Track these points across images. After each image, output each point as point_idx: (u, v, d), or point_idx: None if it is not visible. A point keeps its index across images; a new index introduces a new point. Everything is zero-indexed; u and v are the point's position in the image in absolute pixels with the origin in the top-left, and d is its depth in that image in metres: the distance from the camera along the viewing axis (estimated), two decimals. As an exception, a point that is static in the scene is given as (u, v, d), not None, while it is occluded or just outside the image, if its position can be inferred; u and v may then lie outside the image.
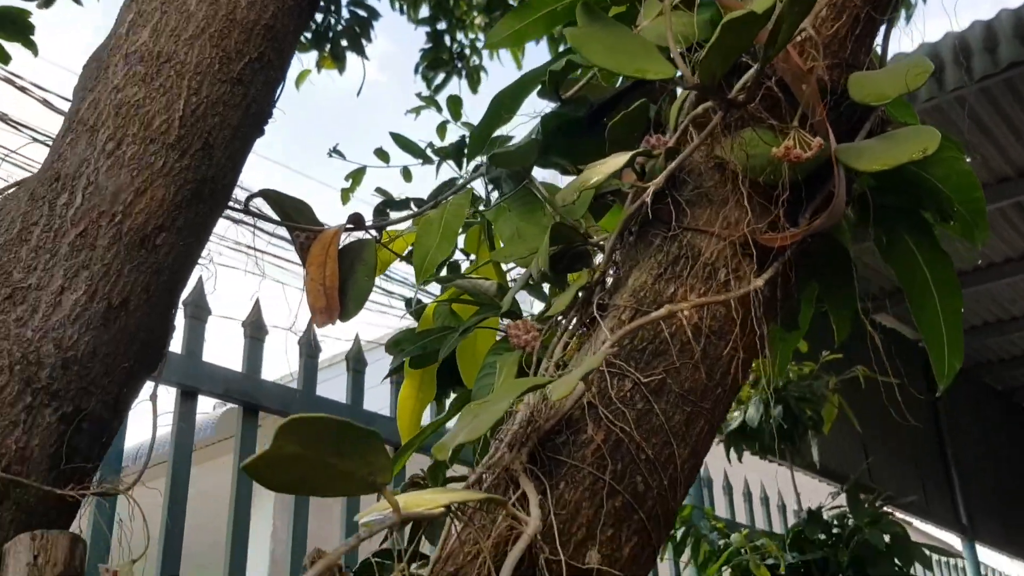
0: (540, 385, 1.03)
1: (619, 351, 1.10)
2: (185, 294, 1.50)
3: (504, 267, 1.67)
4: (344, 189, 2.94)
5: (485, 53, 5.99)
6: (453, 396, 1.82)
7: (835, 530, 3.46)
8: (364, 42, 5.70)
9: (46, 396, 1.21)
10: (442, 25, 5.99)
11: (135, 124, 1.32)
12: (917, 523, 6.78)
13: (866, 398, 3.95)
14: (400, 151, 3.09)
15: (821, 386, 3.58)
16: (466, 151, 2.61)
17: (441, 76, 5.86)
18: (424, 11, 5.87)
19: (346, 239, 1.52)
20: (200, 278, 2.53)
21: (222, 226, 1.50)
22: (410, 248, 1.71)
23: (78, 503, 1.24)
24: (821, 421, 3.56)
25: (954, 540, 7.19)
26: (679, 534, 3.59)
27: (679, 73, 1.12)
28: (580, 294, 1.21)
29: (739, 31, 0.99)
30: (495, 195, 1.80)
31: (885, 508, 3.52)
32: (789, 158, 1.06)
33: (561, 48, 5.04)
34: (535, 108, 1.55)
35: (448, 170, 2.80)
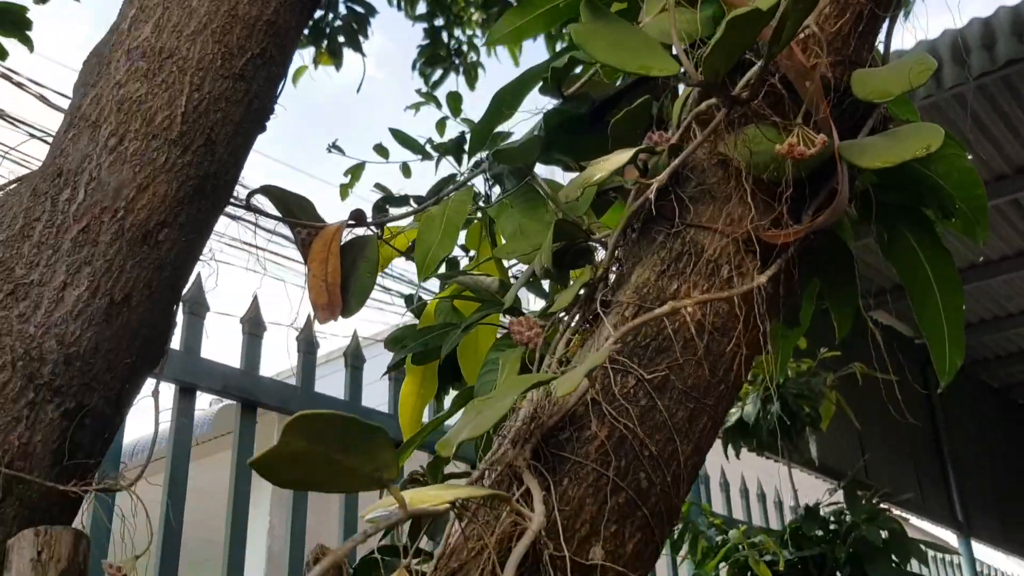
0: (544, 381, 1.03)
1: (622, 348, 1.10)
2: (183, 291, 1.50)
3: (506, 263, 1.68)
4: (343, 185, 2.94)
5: (483, 50, 5.99)
6: (455, 393, 1.82)
7: (832, 527, 3.47)
8: (361, 38, 5.69)
9: (48, 392, 1.21)
10: (439, 21, 5.98)
11: (137, 120, 1.32)
12: (913, 520, 6.80)
13: (863, 395, 3.96)
14: (398, 147, 3.09)
15: (819, 383, 3.59)
16: (466, 147, 2.61)
17: (439, 72, 5.86)
18: (421, 7, 5.87)
19: (347, 235, 1.52)
20: (199, 274, 2.53)
21: (221, 223, 1.50)
22: (411, 245, 1.71)
23: (81, 499, 1.24)
24: (819, 418, 3.57)
25: (950, 537, 7.21)
26: (676, 530, 3.59)
27: (682, 70, 1.12)
28: (583, 291, 1.21)
29: (744, 28, 0.99)
30: (494, 191, 1.80)
31: (882, 505, 3.53)
32: (793, 155, 1.06)
33: (559, 46, 5.05)
34: (536, 105, 1.55)
35: (447, 166, 2.80)
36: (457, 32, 6.01)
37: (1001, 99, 4.55)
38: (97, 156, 1.30)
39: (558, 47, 5.03)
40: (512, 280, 1.57)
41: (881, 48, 1.33)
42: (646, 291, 1.16)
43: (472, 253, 2.18)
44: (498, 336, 1.64)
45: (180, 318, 2.50)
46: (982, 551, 7.59)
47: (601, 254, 1.31)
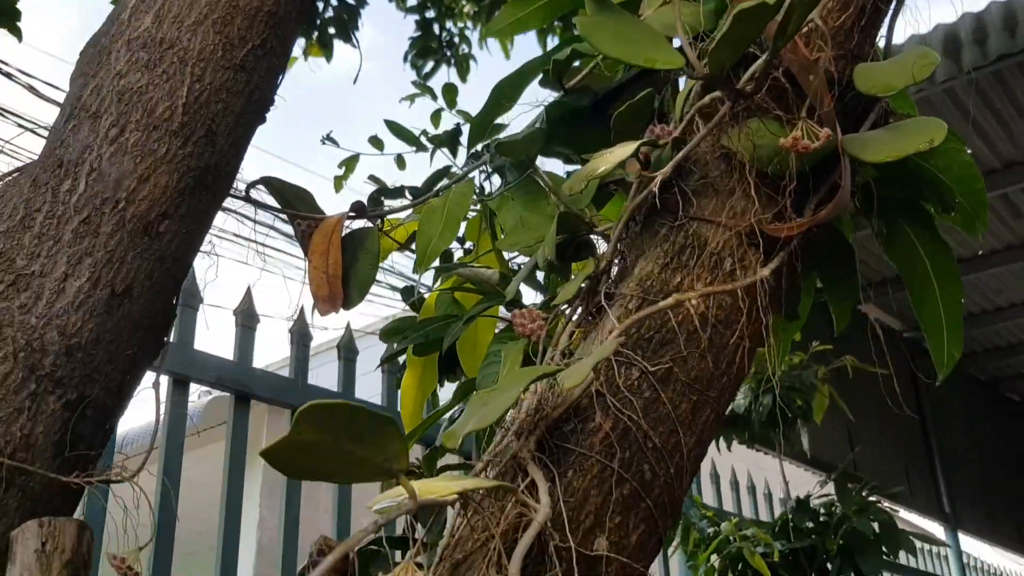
0: (549, 374, 1.03)
1: (626, 340, 1.11)
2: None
3: (505, 256, 1.68)
4: (337, 177, 2.93)
5: (474, 42, 5.98)
6: (450, 386, 1.82)
7: (823, 519, 3.49)
8: (352, 30, 5.67)
9: (50, 383, 1.21)
10: (431, 13, 5.97)
11: (138, 111, 1.31)
12: (901, 512, 6.84)
13: (852, 388, 3.98)
14: (392, 139, 3.08)
15: (810, 375, 3.60)
16: (462, 139, 2.61)
17: (430, 64, 5.84)
18: (412, -1, 5.85)
19: (346, 227, 1.52)
20: (192, 266, 2.52)
21: (218, 217, 1.49)
22: (410, 237, 1.71)
23: (82, 490, 1.24)
24: (810, 410, 3.59)
25: (936, 529, 7.25)
26: (668, 522, 3.59)
27: (687, 63, 1.12)
28: (585, 283, 1.21)
29: (750, 22, 1.00)
30: (488, 184, 1.80)
31: (871, 498, 3.55)
32: (797, 148, 1.06)
33: (550, 39, 5.04)
34: (537, 97, 1.55)
35: (442, 158, 2.80)
36: (449, 24, 6.00)
37: (992, 94, 4.58)
38: (98, 147, 1.30)
39: (550, 40, 5.03)
40: (512, 272, 1.58)
41: (881, 43, 1.33)
42: (649, 284, 1.16)
43: (468, 245, 2.18)
44: (498, 329, 1.64)
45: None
46: (968, 543, 7.65)
47: (603, 247, 1.32)
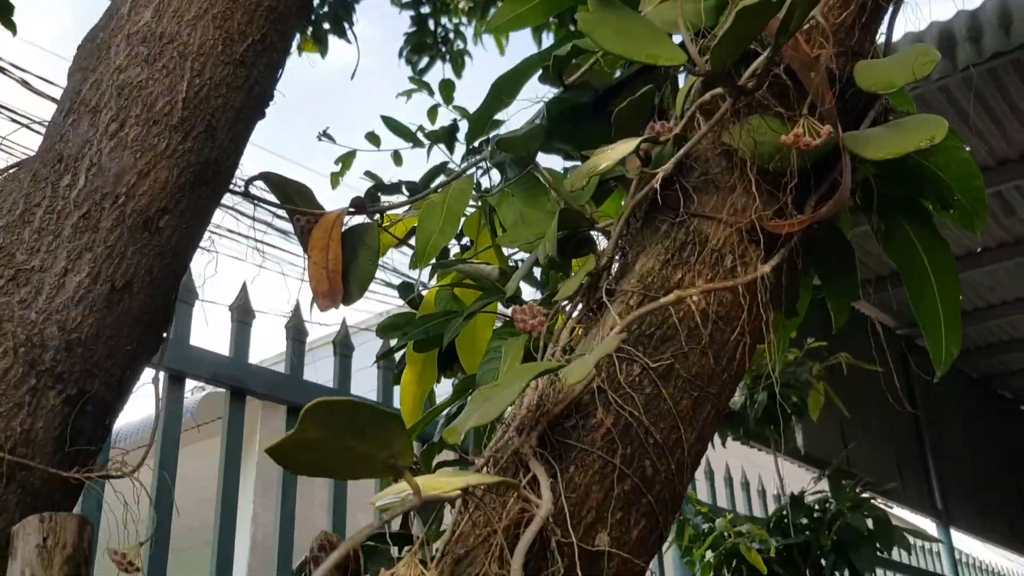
0: (552, 369, 1.03)
1: (627, 336, 1.11)
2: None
3: (505, 252, 1.68)
4: (334, 173, 2.92)
5: (469, 37, 5.98)
6: (449, 381, 1.82)
7: (817, 515, 3.50)
8: (347, 25, 5.66)
9: (50, 378, 1.20)
10: (426, 9, 5.96)
11: (138, 105, 1.31)
12: (894, 508, 6.86)
13: (845, 385, 3.99)
14: (388, 135, 3.07)
15: (804, 372, 3.61)
16: (459, 135, 2.61)
17: (425, 60, 5.84)
18: (408, -6, 5.84)
19: (345, 223, 1.52)
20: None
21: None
22: (408, 232, 1.71)
23: (82, 486, 1.24)
24: (805, 407, 3.60)
25: (929, 525, 7.28)
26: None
27: (689, 59, 1.12)
28: (586, 279, 1.22)
29: (752, 18, 1.00)
30: (488, 179, 1.80)
31: (864, 494, 3.56)
32: (799, 145, 1.06)
33: (545, 35, 5.04)
34: (537, 93, 1.55)
35: (438, 154, 2.79)
36: (444, 20, 5.99)
37: (986, 92, 4.59)
38: (98, 142, 1.29)
39: (545, 37, 5.02)
40: (512, 269, 1.57)
41: (881, 40, 1.33)
42: (650, 280, 1.16)
43: (464, 241, 2.18)
44: (496, 325, 1.64)
45: (171, 305, 2.50)
46: (960, 539, 7.67)
47: (603, 243, 1.32)
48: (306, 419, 0.74)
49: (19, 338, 1.20)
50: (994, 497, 7.93)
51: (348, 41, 5.52)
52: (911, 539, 3.57)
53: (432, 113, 2.93)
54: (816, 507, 3.55)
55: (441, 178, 2.32)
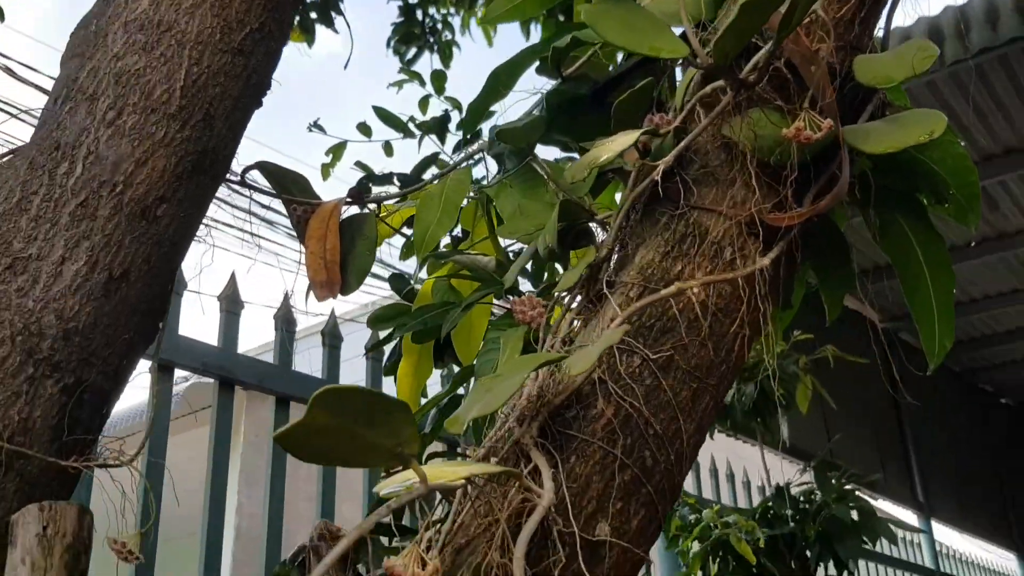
0: (553, 360, 1.04)
1: (628, 328, 1.12)
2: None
3: (502, 243, 1.68)
4: (324, 164, 2.91)
5: (457, 28, 5.95)
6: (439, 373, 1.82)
7: (803, 506, 3.52)
8: (334, 14, 5.63)
9: (48, 367, 1.20)
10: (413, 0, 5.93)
11: (136, 93, 1.30)
12: (877, 501, 6.92)
13: (830, 378, 4.02)
14: (379, 126, 3.05)
15: (791, 364, 3.63)
16: (453, 126, 2.61)
17: (413, 51, 5.81)
18: (395, -17, 5.81)
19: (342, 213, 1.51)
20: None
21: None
22: (404, 223, 1.71)
23: (79, 474, 1.24)
24: (792, 399, 3.62)
25: (910, 517, 7.34)
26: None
27: (691, 52, 1.13)
28: (586, 271, 1.22)
29: (756, 12, 1.00)
30: (485, 170, 1.80)
31: (847, 486, 3.59)
32: (799, 139, 1.07)
33: (533, 27, 5.03)
34: (534, 84, 1.55)
35: (429, 144, 2.79)
36: (432, 10, 5.97)
37: (973, 87, 4.62)
38: (95, 130, 1.29)
39: (532, 28, 5.01)
40: (509, 260, 1.58)
41: (879, 34, 1.34)
42: (650, 272, 1.17)
43: (456, 231, 2.17)
44: (492, 316, 1.64)
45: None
46: (940, 531, 7.75)
47: (601, 235, 1.32)
48: (315, 406, 0.75)
49: (16, 326, 1.19)
50: (974, 490, 8.01)
51: (335, 31, 5.49)
52: (896, 530, 3.60)
53: (423, 104, 2.92)
54: (801, 499, 3.57)
55: (433, 169, 2.32)
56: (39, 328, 1.20)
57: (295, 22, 5.60)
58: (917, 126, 1.12)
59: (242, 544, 6.53)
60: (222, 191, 1.56)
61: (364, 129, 2.77)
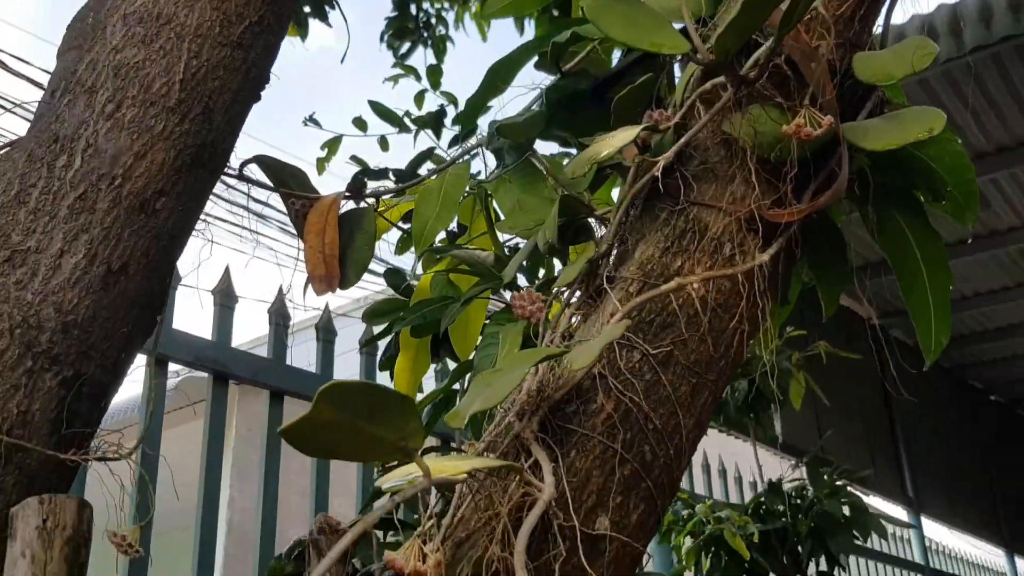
0: (554, 355, 1.04)
1: (629, 323, 1.12)
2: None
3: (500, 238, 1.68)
4: (320, 159, 2.91)
5: (451, 23, 5.94)
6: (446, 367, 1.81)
7: (795, 502, 3.53)
8: (328, 8, 5.61)
9: (47, 360, 1.20)
10: (408, -6, 5.92)
11: (135, 86, 1.30)
12: (869, 496, 6.95)
13: (822, 375, 4.03)
14: (374, 120, 3.05)
15: (784, 360, 3.64)
16: (449, 121, 2.60)
17: (407, 45, 5.80)
18: (389, -22, 5.79)
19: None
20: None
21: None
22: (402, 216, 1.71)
23: (77, 467, 1.24)
24: (784, 395, 3.63)
25: (900, 513, 7.38)
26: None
27: (692, 48, 1.13)
28: (586, 266, 1.22)
29: (758, 9, 1.01)
30: (483, 165, 1.80)
31: (838, 481, 3.60)
32: (800, 135, 1.08)
33: (527, 24, 5.02)
34: (533, 80, 1.55)
35: (425, 139, 2.78)
36: (426, 5, 5.95)
37: (965, 85, 4.63)
38: (94, 122, 1.28)
39: (526, 24, 5.01)
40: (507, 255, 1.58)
41: (878, 31, 1.35)
42: (650, 267, 1.17)
43: (452, 226, 2.17)
44: (488, 310, 1.65)
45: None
46: (930, 526, 7.79)
47: (599, 230, 1.33)
48: (321, 401, 0.75)
49: (15, 319, 1.19)
50: (964, 486, 8.05)
51: (329, 25, 5.47)
52: (885, 526, 3.62)
53: (419, 98, 2.92)
54: (793, 494, 3.59)
55: (428, 164, 2.32)
56: (38, 321, 1.20)
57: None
58: (916, 123, 1.12)
59: (234, 538, 6.52)
60: (215, 186, 1.56)
61: (360, 123, 2.77)
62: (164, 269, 1.34)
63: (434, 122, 2.59)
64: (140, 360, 1.41)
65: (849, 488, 3.58)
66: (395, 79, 3.10)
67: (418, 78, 2.98)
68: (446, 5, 6.01)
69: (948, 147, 1.32)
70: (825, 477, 3.56)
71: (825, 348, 3.67)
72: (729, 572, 3.27)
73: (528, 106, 1.51)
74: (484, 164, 1.66)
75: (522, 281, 1.92)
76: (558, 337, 1.19)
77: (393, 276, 2.17)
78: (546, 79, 1.59)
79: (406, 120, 2.67)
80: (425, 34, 5.87)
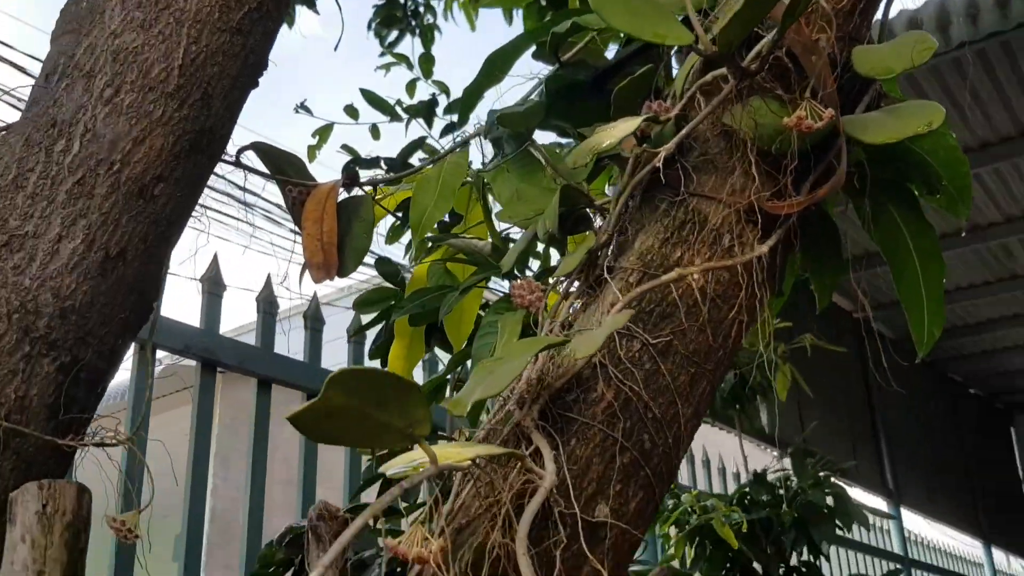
0: (556, 344, 1.05)
1: (632, 312, 1.13)
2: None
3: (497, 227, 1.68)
4: (310, 147, 2.90)
5: (439, 11, 5.92)
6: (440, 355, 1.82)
7: (779, 492, 3.56)
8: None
9: (44, 346, 1.19)
10: (396, -18, 5.89)
11: (133, 71, 1.29)
12: (848, 487, 7.00)
13: (807, 367, 4.06)
14: (357, 110, 3.04)
15: (770, 352, 3.66)
16: (440, 110, 2.60)
17: (395, 34, 5.78)
18: (378, -34, 5.76)
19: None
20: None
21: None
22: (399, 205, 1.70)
23: (74, 453, 1.23)
24: (770, 387, 3.66)
25: (880, 504, 7.45)
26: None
27: (695, 40, 1.13)
28: (585, 256, 1.23)
29: (761, 2, 1.01)
30: (481, 154, 1.80)
31: (821, 472, 3.63)
32: (801, 128, 1.08)
33: (515, 14, 5.01)
34: (532, 69, 1.56)
35: (416, 128, 2.78)
36: (414, -7, 5.92)
37: (951, 80, 4.67)
38: (92, 107, 1.28)
39: (514, 14, 4.99)
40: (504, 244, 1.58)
41: (876, 25, 1.36)
42: (650, 258, 1.18)
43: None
44: (483, 300, 1.65)
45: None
46: (909, 518, 7.86)
47: (598, 221, 1.33)
48: (331, 387, 0.75)
49: (13, 304, 1.19)
50: (943, 478, 8.13)
51: (316, 12, 5.44)
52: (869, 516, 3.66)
53: (411, 87, 2.91)
54: (778, 485, 3.62)
55: (420, 153, 2.31)
56: (36, 306, 1.19)
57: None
58: (916, 117, 1.13)
59: (217, 527, 6.51)
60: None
61: (351, 111, 2.76)
62: (161, 256, 1.33)
63: (426, 111, 2.58)
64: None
65: (832, 479, 3.62)
66: (387, 67, 3.09)
67: (410, 66, 2.97)
68: (435, -7, 5.98)
69: (943, 141, 1.33)
70: (809, 468, 3.59)
71: (811, 341, 3.69)
72: (714, 562, 3.30)
73: (527, 96, 1.51)
74: (482, 153, 1.66)
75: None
76: (557, 326, 1.19)
77: (385, 265, 2.17)
78: (543, 69, 1.59)
79: (397, 109, 2.67)
80: (413, 22, 5.85)
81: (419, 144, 2.38)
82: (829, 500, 3.47)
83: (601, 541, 1.05)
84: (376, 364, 2.11)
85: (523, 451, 1.04)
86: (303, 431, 0.79)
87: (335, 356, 3.17)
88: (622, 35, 1.52)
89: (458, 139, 1.63)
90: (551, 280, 1.28)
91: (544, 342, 1.04)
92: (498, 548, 0.99)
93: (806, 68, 1.15)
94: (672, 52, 1.48)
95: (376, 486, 1.95)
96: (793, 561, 3.48)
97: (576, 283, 1.26)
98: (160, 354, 2.69)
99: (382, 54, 3.87)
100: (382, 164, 2.46)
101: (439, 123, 2.66)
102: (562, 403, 1.10)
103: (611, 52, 1.60)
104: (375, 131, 2.91)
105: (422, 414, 0.82)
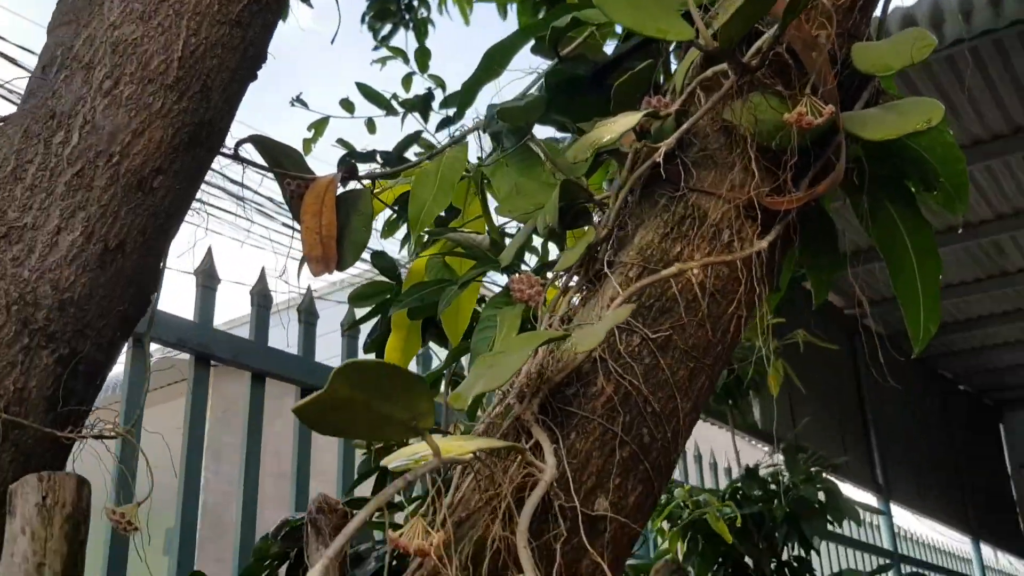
0: (557, 338, 1.05)
1: (633, 306, 1.13)
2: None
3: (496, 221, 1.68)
4: (306, 140, 2.90)
5: (433, 5, 5.91)
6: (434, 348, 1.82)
7: (771, 487, 3.58)
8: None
9: (43, 338, 1.19)
10: (390, -25, 5.87)
11: (133, 63, 1.29)
12: (838, 483, 7.03)
13: (799, 362, 4.08)
14: (353, 104, 3.03)
15: (767, 348, 3.67)
16: (436, 104, 2.60)
17: (388, 27, 5.76)
18: (372, -40, 5.75)
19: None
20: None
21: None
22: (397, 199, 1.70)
23: (72, 445, 1.23)
24: (763, 382, 3.67)
25: (870, 499, 7.48)
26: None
27: (696, 35, 1.14)
28: (585, 251, 1.23)
29: (763, -3, 1.02)
30: (479, 148, 1.80)
31: (812, 468, 3.65)
32: (801, 124, 1.09)
33: (510, 8, 5.00)
34: (530, 64, 1.55)
35: (412, 122, 2.77)
36: (408, -13, 5.91)
37: (943, 79, 4.68)
38: (91, 99, 1.27)
39: (508, 9, 4.99)
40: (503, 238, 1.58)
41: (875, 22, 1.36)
42: (649, 253, 1.19)
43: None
44: (480, 294, 1.65)
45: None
46: (898, 514, 7.90)
47: (597, 215, 1.33)
48: (337, 379, 0.75)
49: (12, 296, 1.18)
50: (933, 474, 8.17)
51: (310, 5, 5.43)
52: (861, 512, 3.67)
53: (407, 81, 2.91)
54: (770, 479, 3.63)
55: (416, 147, 2.31)
56: (35, 298, 1.19)
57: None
58: (915, 114, 1.14)
59: (208, 521, 6.50)
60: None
61: (347, 105, 2.76)
62: (159, 248, 1.33)
63: (422, 105, 2.58)
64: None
65: (824, 475, 3.63)
66: (382, 61, 3.09)
67: (406, 60, 2.97)
68: (428, -13, 5.97)
69: (940, 138, 1.34)
70: (801, 463, 3.60)
71: (804, 337, 3.70)
72: (706, 556, 3.31)
73: (526, 90, 1.52)
74: (480, 147, 1.66)
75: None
76: (557, 321, 1.19)
77: (381, 259, 2.17)
78: (540, 64, 1.59)
79: (394, 103, 2.67)
80: (407, 16, 5.84)
81: (415, 138, 2.38)
82: (821, 495, 3.48)
83: (600, 534, 1.06)
84: (371, 357, 2.12)
85: (523, 444, 1.04)
86: (308, 423, 0.79)
87: (328, 350, 3.17)
88: (621, 30, 1.52)
89: (455, 133, 1.62)
90: (550, 275, 1.29)
91: (544, 336, 1.05)
92: (498, 541, 0.99)
93: (806, 64, 1.15)
94: (671, 48, 1.49)
95: (369, 481, 1.96)
96: (784, 556, 3.50)
97: (576, 278, 1.26)
98: (152, 347, 2.68)
99: (376, 48, 3.86)
100: (378, 158, 2.46)
101: (435, 117, 2.66)
102: (562, 397, 1.11)
103: (610, 47, 1.60)
104: (371, 125, 2.91)
105: (426, 407, 0.82)
